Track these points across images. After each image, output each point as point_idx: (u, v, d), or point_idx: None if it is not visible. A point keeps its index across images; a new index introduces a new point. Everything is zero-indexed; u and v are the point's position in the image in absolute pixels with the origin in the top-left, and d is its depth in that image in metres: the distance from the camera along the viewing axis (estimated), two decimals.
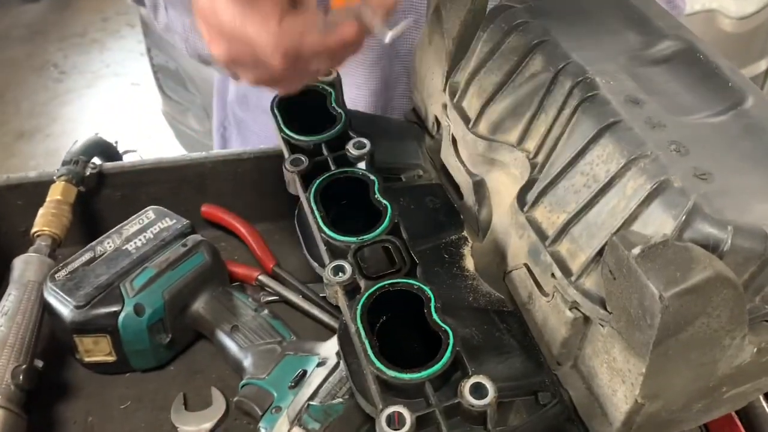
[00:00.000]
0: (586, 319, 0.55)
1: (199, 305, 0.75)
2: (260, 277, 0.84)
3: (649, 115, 0.56)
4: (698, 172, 0.51)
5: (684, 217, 0.48)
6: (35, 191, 0.84)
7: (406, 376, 0.54)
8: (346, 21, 0.57)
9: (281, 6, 0.56)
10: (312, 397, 0.66)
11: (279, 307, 0.82)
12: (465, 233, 0.72)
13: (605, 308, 0.52)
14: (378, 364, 0.54)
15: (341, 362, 0.63)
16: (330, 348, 0.71)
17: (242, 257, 0.86)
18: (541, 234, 0.57)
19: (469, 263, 0.70)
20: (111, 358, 0.73)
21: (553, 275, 0.56)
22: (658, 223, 0.50)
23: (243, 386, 0.70)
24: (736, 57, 2.07)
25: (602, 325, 0.53)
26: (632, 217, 0.51)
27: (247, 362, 0.71)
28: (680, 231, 0.48)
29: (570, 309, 0.55)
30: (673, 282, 0.45)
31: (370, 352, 0.55)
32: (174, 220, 0.78)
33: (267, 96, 0.80)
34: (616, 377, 0.53)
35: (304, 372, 0.69)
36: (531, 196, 0.59)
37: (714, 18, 2.11)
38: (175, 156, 0.89)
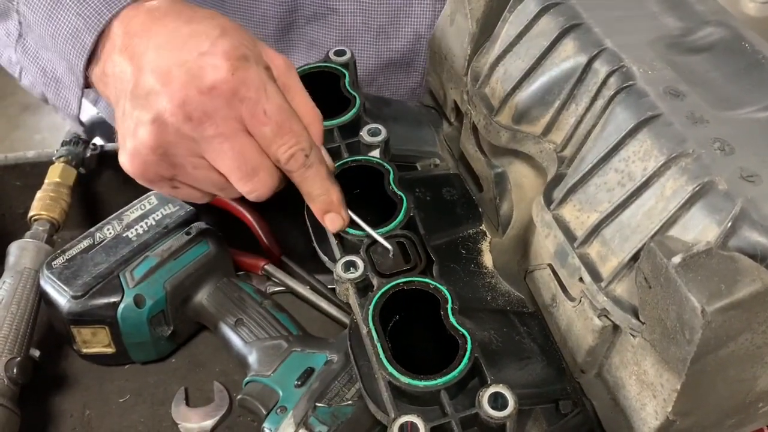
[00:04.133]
0: (615, 328, 0.52)
1: (202, 297, 0.72)
2: (266, 267, 0.81)
3: (690, 109, 0.51)
4: (745, 173, 0.47)
5: (729, 224, 0.44)
6: (34, 172, 0.81)
7: (421, 384, 0.50)
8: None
9: None
10: (319, 398, 0.63)
11: (285, 299, 0.79)
12: (483, 227, 0.68)
13: (638, 318, 0.48)
14: (391, 369, 0.51)
15: (351, 363, 0.60)
16: (339, 345, 0.68)
17: (248, 245, 0.83)
18: (569, 234, 0.53)
19: (488, 260, 0.66)
20: (110, 350, 0.71)
21: (581, 279, 0.52)
22: (700, 229, 0.46)
23: (247, 383, 0.67)
24: None
25: (633, 336, 0.49)
26: (671, 221, 0.47)
27: (252, 358, 0.68)
28: (725, 238, 0.44)
29: (599, 316, 0.51)
30: (716, 295, 0.41)
31: (382, 356, 0.52)
32: (177, 207, 0.75)
33: None
34: (646, 391, 0.50)
35: (312, 370, 0.66)
36: (558, 193, 0.55)
37: (737, 1, 2.05)
38: None
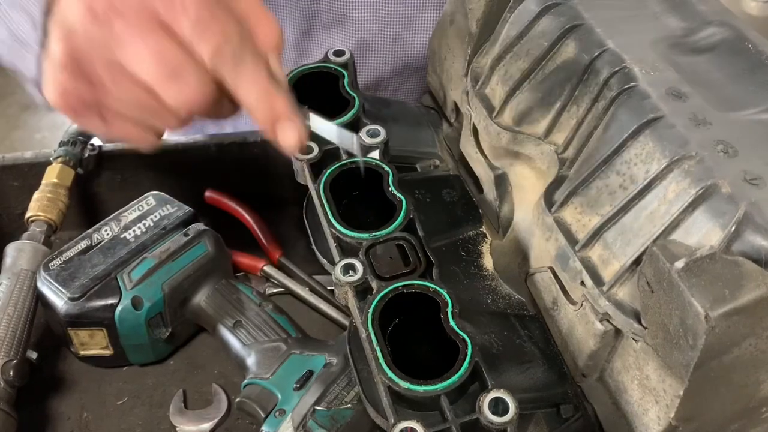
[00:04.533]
0: (617, 332, 0.51)
1: (200, 298, 0.72)
2: (265, 268, 0.80)
3: (693, 110, 0.51)
4: (749, 176, 0.46)
5: (733, 227, 0.44)
6: (31, 172, 0.81)
7: (421, 389, 0.50)
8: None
9: None
10: (318, 401, 0.62)
11: (284, 300, 0.78)
12: (484, 229, 0.68)
13: (640, 322, 0.48)
14: (390, 374, 0.50)
15: (350, 367, 0.59)
16: (338, 348, 0.67)
17: (247, 246, 0.82)
18: (570, 237, 0.53)
19: (488, 262, 0.66)
20: (107, 352, 0.70)
21: (582, 283, 0.51)
22: (703, 233, 0.45)
23: (245, 386, 0.66)
24: None
25: (635, 340, 0.49)
26: (673, 225, 0.47)
27: (251, 360, 0.68)
28: (729, 243, 0.44)
29: (600, 320, 0.51)
30: (720, 300, 0.41)
31: (381, 361, 0.51)
32: (175, 207, 0.74)
33: None
34: (649, 396, 0.49)
35: (311, 373, 0.65)
36: (560, 195, 0.55)
37: (739, 0, 2.04)
38: (178, 138, 0.84)
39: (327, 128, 0.49)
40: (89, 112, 0.49)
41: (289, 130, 0.49)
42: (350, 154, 0.65)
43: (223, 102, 0.49)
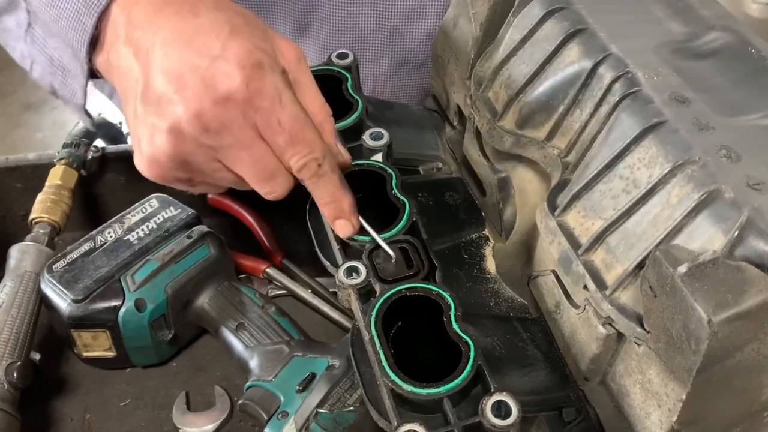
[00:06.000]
0: (620, 336, 0.51)
1: (203, 301, 0.72)
2: (268, 270, 0.80)
3: (696, 115, 0.51)
4: (751, 181, 0.46)
5: (736, 233, 0.44)
6: (35, 174, 0.81)
7: (424, 392, 0.50)
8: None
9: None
10: (321, 404, 0.63)
11: (287, 302, 0.79)
12: (486, 232, 0.68)
13: (643, 326, 0.48)
14: (393, 377, 0.51)
15: (353, 369, 0.59)
16: (340, 350, 0.67)
17: (250, 248, 0.83)
18: (573, 241, 0.53)
19: (491, 265, 0.66)
20: (110, 354, 0.70)
21: (585, 287, 0.52)
22: (706, 238, 0.45)
23: (248, 388, 0.67)
24: None
25: (638, 344, 0.49)
26: (676, 229, 0.47)
27: (253, 363, 0.68)
28: (731, 248, 0.44)
29: (603, 324, 0.51)
30: (723, 305, 0.41)
31: (385, 363, 0.51)
32: (179, 210, 0.75)
33: None
34: (651, 400, 0.49)
35: (313, 375, 0.65)
36: (563, 199, 0.55)
37: (740, 2, 2.04)
38: None
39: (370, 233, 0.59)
40: (180, 184, 0.57)
41: (347, 227, 0.59)
42: (353, 156, 0.65)
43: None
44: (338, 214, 0.58)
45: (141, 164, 0.55)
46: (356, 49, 0.89)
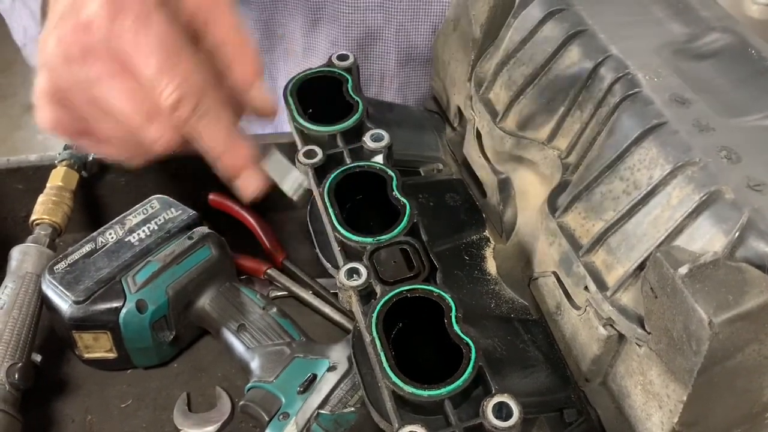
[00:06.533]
0: (621, 337, 0.51)
1: (204, 302, 0.72)
2: (269, 272, 0.80)
3: (696, 116, 0.51)
4: (752, 182, 0.46)
5: (737, 234, 0.44)
6: (36, 175, 0.81)
7: (425, 393, 0.50)
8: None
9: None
10: (322, 405, 0.63)
11: (288, 303, 0.79)
12: (487, 233, 0.68)
13: (643, 327, 0.48)
14: (395, 378, 0.51)
15: (354, 371, 0.59)
16: (341, 351, 0.67)
17: (251, 249, 0.83)
18: (573, 243, 0.53)
19: (491, 266, 0.66)
20: (111, 355, 0.70)
21: (586, 288, 0.52)
22: (707, 239, 0.45)
23: (249, 389, 0.67)
24: None
25: (639, 345, 0.49)
26: (677, 230, 0.47)
27: (254, 364, 0.68)
28: (732, 249, 0.44)
29: (604, 325, 0.51)
30: (724, 306, 0.41)
31: (386, 365, 0.51)
32: (180, 211, 0.75)
33: None
34: (652, 401, 0.49)
35: (314, 376, 0.65)
36: (563, 201, 0.55)
37: (740, 3, 2.04)
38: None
39: (281, 170, 0.50)
40: (79, 137, 0.51)
41: (249, 180, 0.50)
42: (354, 157, 0.65)
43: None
44: (234, 166, 0.49)
45: (35, 113, 0.50)
46: (364, 44, 0.90)
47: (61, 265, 0.69)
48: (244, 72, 0.50)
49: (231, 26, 0.50)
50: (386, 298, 0.55)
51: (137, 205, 0.75)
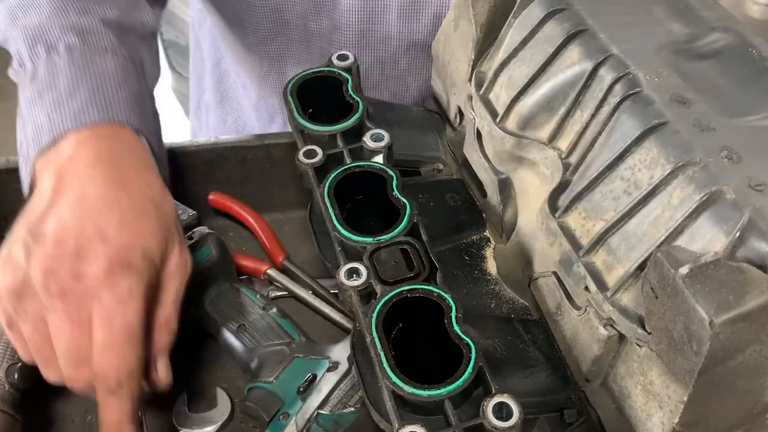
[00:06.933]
0: (621, 337, 0.51)
1: (204, 302, 0.71)
2: (269, 272, 0.80)
3: (697, 116, 0.51)
4: (753, 182, 0.46)
5: (738, 234, 0.44)
6: None
7: (425, 393, 0.50)
8: None
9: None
10: (322, 405, 0.63)
11: (288, 304, 0.78)
12: (487, 233, 0.68)
13: (644, 328, 0.48)
14: (395, 379, 0.51)
15: (354, 371, 0.59)
16: (341, 351, 0.67)
17: (251, 249, 0.83)
18: (574, 243, 0.53)
19: (491, 266, 0.66)
20: None
21: (586, 288, 0.52)
22: (708, 239, 0.45)
23: (249, 389, 0.67)
24: None
25: (639, 346, 0.49)
26: (678, 230, 0.47)
27: (254, 364, 0.68)
28: (733, 249, 0.44)
29: (604, 326, 0.51)
30: (725, 307, 0.41)
31: (386, 365, 0.51)
32: (180, 211, 0.74)
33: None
34: (653, 401, 0.49)
35: (314, 376, 0.65)
36: (564, 201, 0.55)
37: (741, 3, 2.04)
38: (182, 141, 0.84)
39: None
40: (4, 319, 0.56)
41: None
42: (354, 157, 0.65)
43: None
44: None
45: None
46: (365, 30, 0.90)
47: None
48: (158, 347, 0.58)
49: (169, 304, 0.59)
50: (386, 298, 0.55)
51: None
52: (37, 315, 0.54)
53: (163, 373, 0.59)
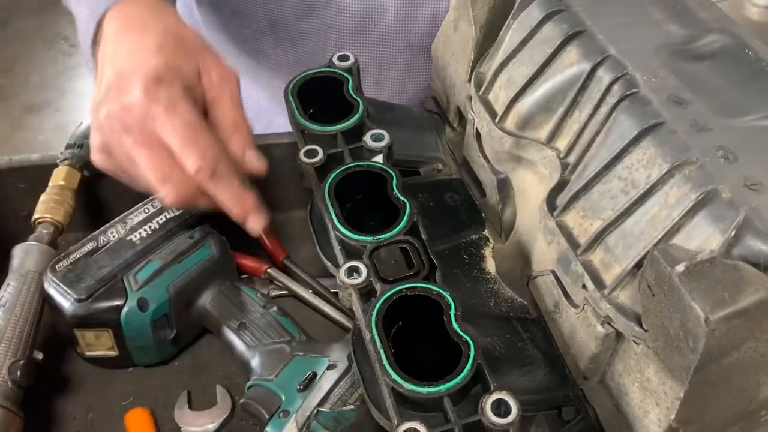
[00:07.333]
0: (618, 335, 0.52)
1: (205, 300, 0.72)
2: (269, 271, 0.81)
3: (694, 116, 0.52)
4: (748, 181, 0.47)
5: (733, 232, 0.44)
6: (38, 174, 0.81)
7: (424, 390, 0.50)
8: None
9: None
10: (322, 403, 0.63)
11: (288, 302, 0.79)
12: (486, 233, 0.68)
13: (641, 325, 0.48)
14: (394, 376, 0.51)
15: (354, 368, 0.60)
16: (341, 349, 0.68)
17: (251, 249, 0.83)
18: (572, 241, 0.53)
19: (490, 265, 0.66)
20: (113, 353, 0.71)
21: (584, 286, 0.52)
22: (704, 237, 0.46)
23: (249, 387, 0.67)
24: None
25: (636, 343, 0.49)
26: (674, 229, 0.47)
27: (255, 362, 0.68)
28: (729, 247, 0.45)
29: (602, 323, 0.51)
30: (720, 304, 0.41)
31: (386, 362, 0.52)
32: (181, 211, 0.75)
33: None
34: (649, 398, 0.50)
35: (314, 374, 0.66)
36: (562, 200, 0.55)
37: (740, 5, 2.04)
38: None
39: None
40: (121, 176, 0.65)
41: (256, 221, 0.64)
42: (354, 157, 0.66)
43: (203, 197, 0.63)
44: (244, 214, 0.63)
45: (91, 151, 0.65)
46: (361, 29, 0.90)
47: (63, 264, 0.69)
48: (239, 146, 0.65)
49: (230, 107, 0.65)
50: (386, 296, 0.55)
51: (139, 204, 0.75)
52: (124, 160, 0.62)
53: (255, 162, 0.65)
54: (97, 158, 0.65)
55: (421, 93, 0.96)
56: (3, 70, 2.97)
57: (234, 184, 0.62)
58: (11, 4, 3.32)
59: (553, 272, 0.57)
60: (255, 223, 0.64)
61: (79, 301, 0.67)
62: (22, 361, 0.65)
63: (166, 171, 0.60)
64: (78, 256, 0.70)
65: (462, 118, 0.73)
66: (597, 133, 0.55)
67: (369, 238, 0.59)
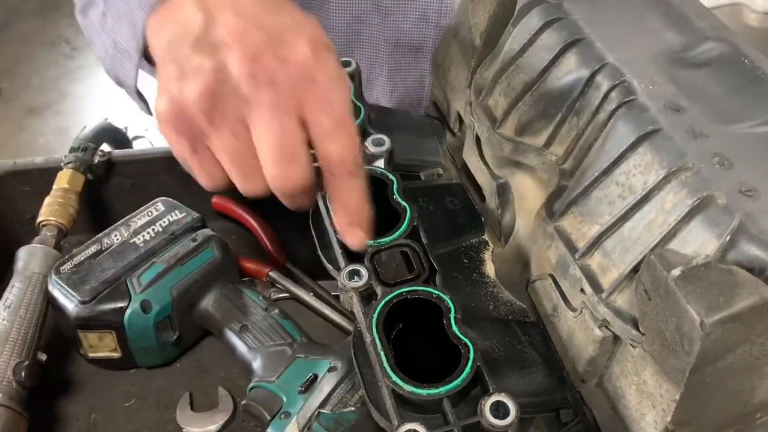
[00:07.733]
0: (616, 338, 0.52)
1: (207, 303, 0.73)
2: (271, 273, 0.81)
3: (690, 123, 0.52)
4: (743, 187, 0.48)
5: (728, 237, 0.45)
6: (42, 178, 0.82)
7: (424, 392, 0.51)
8: None
9: None
10: (323, 404, 0.64)
11: (289, 305, 0.80)
12: (486, 237, 0.69)
13: (638, 329, 0.49)
14: (395, 378, 0.52)
15: (355, 371, 0.60)
16: (342, 352, 0.68)
17: (253, 252, 0.84)
18: (570, 246, 0.54)
19: (490, 269, 0.67)
20: (116, 355, 0.71)
21: (582, 290, 0.53)
22: (699, 242, 0.47)
23: (251, 389, 0.68)
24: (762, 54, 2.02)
25: (633, 346, 0.50)
26: (671, 234, 0.48)
27: (256, 364, 0.69)
28: (724, 252, 0.45)
29: (599, 327, 0.52)
30: (715, 308, 0.42)
31: (386, 365, 0.52)
32: (184, 213, 0.76)
33: None
34: (646, 401, 0.50)
35: (315, 376, 0.66)
36: (560, 205, 0.56)
37: (739, 12, 2.05)
38: None
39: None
40: (185, 141, 0.50)
41: (360, 238, 0.53)
42: None
43: (311, 194, 0.51)
44: (358, 222, 0.53)
45: (162, 102, 0.49)
46: (352, 29, 0.91)
47: (67, 266, 0.70)
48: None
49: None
50: (387, 299, 0.56)
51: (142, 208, 0.76)
52: (236, 118, 0.48)
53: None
54: (179, 105, 0.48)
55: (411, 93, 0.96)
56: (4, 73, 2.97)
57: (364, 188, 0.52)
58: (12, 6, 3.34)
59: (552, 276, 0.58)
60: (359, 238, 0.53)
61: (82, 302, 0.68)
62: (26, 362, 0.66)
63: (294, 150, 0.48)
64: (82, 258, 0.71)
65: (462, 124, 0.74)
66: (595, 139, 0.56)
67: (370, 242, 0.60)
